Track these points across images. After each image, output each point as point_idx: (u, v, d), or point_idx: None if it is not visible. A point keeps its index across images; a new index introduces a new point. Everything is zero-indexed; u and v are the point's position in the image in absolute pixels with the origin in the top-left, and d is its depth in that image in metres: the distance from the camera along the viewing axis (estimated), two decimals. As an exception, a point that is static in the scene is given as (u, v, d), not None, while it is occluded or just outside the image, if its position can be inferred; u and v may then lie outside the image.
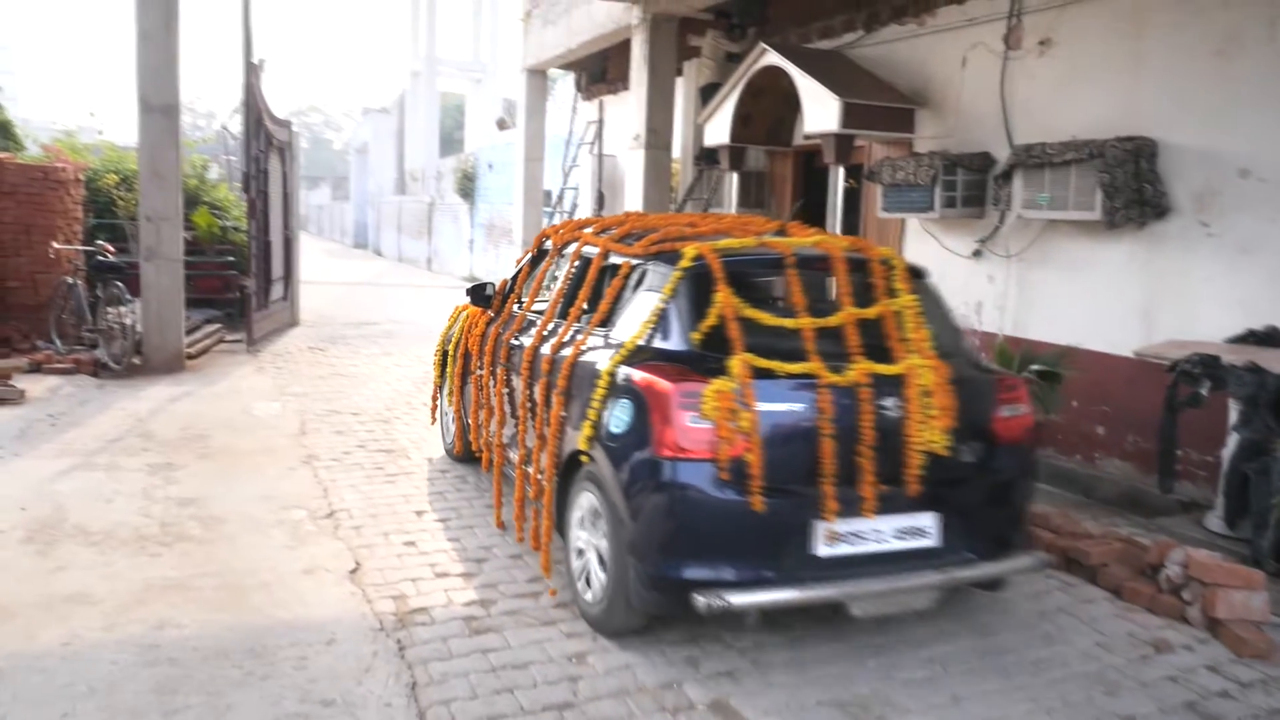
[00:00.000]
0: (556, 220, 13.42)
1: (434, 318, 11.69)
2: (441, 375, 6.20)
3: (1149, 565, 4.32)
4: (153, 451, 6.09)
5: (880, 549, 3.54)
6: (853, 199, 8.41)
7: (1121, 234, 5.91)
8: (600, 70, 13.91)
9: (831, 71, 7.60)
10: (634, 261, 4.21)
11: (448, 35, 34.18)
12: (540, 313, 4.93)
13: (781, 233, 4.36)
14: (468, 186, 22.58)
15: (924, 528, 3.61)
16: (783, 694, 3.34)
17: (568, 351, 4.21)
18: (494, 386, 5.03)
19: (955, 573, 3.63)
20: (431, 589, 4.13)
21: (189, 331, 9.51)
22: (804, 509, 3.42)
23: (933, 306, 4.07)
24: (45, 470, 5.59)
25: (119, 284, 8.76)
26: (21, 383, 7.64)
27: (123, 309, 8.64)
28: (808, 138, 7.85)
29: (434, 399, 6.32)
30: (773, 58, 7.76)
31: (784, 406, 3.47)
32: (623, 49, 11.26)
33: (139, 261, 8.78)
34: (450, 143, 34.95)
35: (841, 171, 7.78)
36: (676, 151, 10.64)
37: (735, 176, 9.74)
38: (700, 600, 3.30)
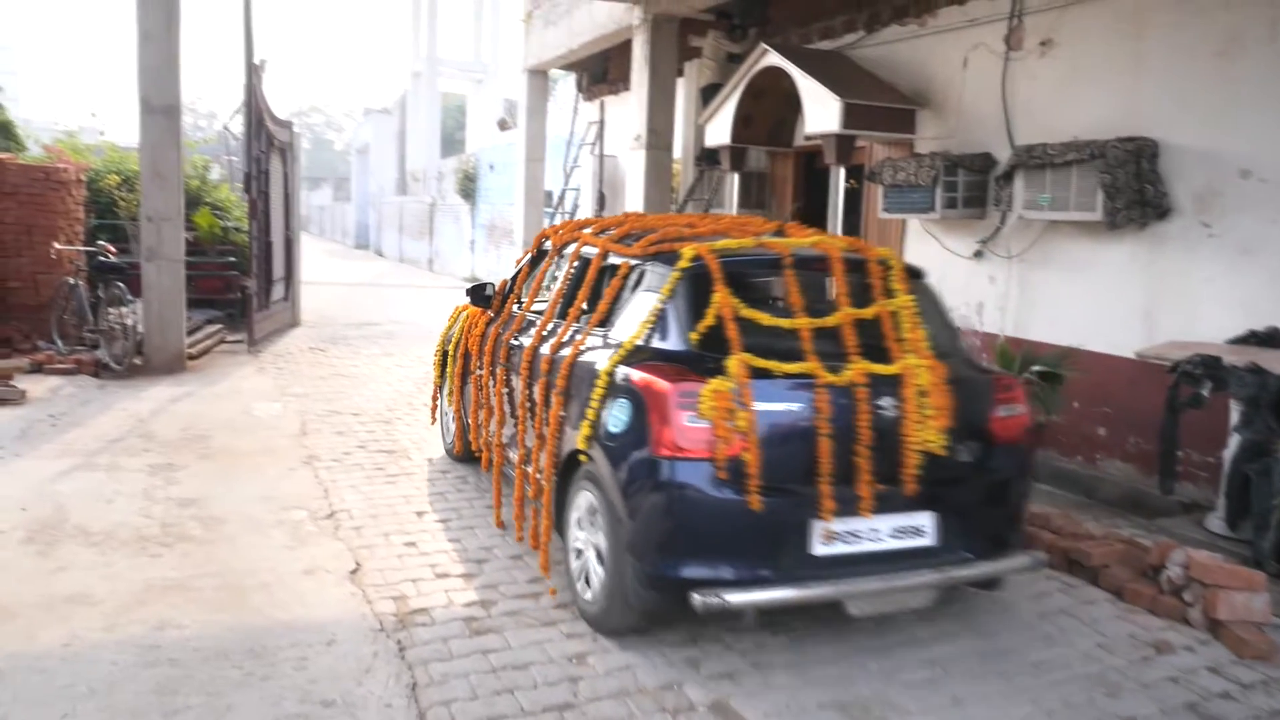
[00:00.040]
0: (557, 221, 13.42)
1: (435, 318, 11.69)
2: (441, 375, 6.20)
3: (1150, 566, 4.32)
4: (154, 452, 6.09)
5: (877, 548, 3.55)
6: (854, 200, 8.41)
7: (1123, 235, 5.91)
8: (601, 71, 13.91)
9: (832, 72, 7.59)
10: (633, 262, 4.21)
11: (449, 36, 34.24)
12: (540, 313, 4.93)
13: (780, 233, 4.36)
14: (469, 187, 22.59)
15: (921, 527, 3.61)
16: (783, 695, 3.34)
17: (567, 351, 4.22)
18: (493, 386, 5.03)
19: (952, 572, 3.64)
20: (432, 590, 4.13)
21: (190, 332, 9.51)
22: (801, 508, 3.43)
23: (930, 307, 4.07)
24: (46, 470, 5.59)
25: (120, 284, 8.77)
26: (23, 383, 7.65)
27: (124, 309, 8.65)
28: (809, 138, 7.85)
29: (434, 399, 6.33)
30: (774, 58, 7.76)
31: (781, 406, 3.47)
32: (624, 49, 11.27)
33: (140, 262, 8.79)
34: (451, 143, 34.96)
35: (842, 172, 7.78)
36: (677, 152, 10.64)
37: (736, 177, 9.74)
38: (698, 599, 3.31)
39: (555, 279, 5.04)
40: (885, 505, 3.52)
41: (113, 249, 9.48)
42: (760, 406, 3.40)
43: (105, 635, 3.58)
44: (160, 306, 8.71)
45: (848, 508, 3.46)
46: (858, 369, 3.53)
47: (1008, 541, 3.88)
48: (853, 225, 8.38)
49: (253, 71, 10.32)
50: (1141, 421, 5.78)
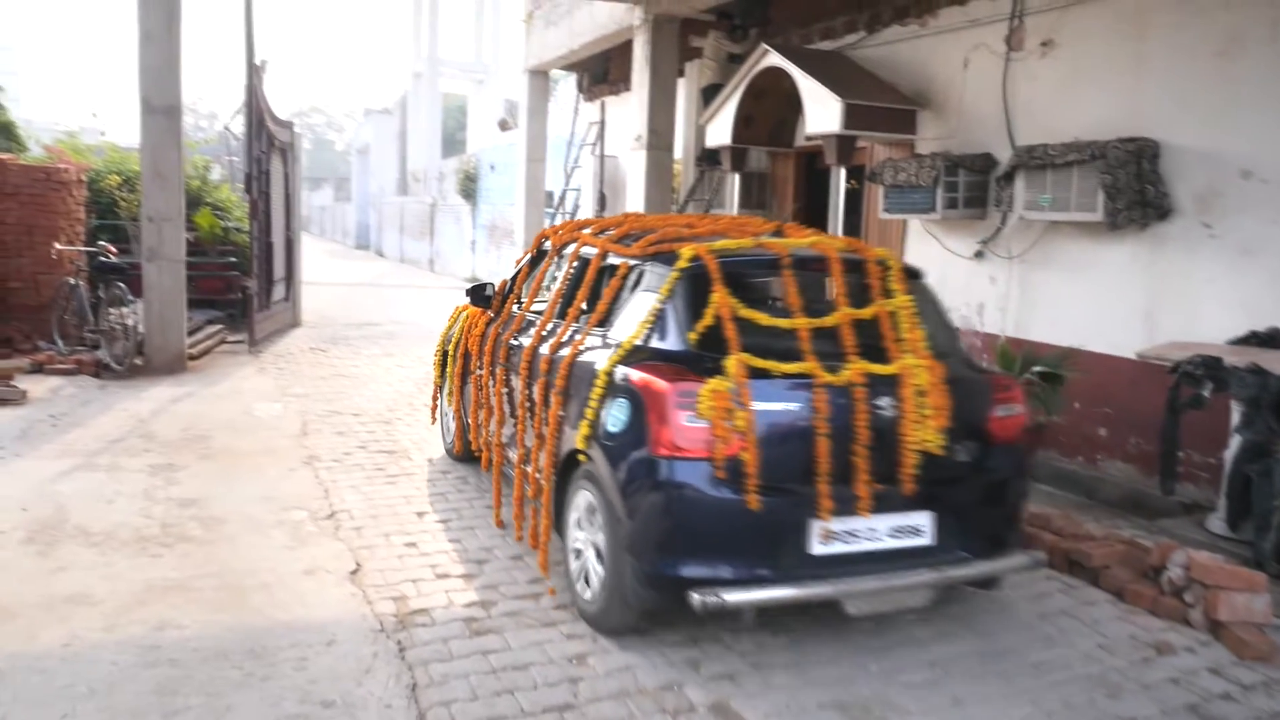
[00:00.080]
0: (558, 221, 13.42)
1: (436, 318, 11.68)
2: (441, 375, 6.21)
3: (1151, 567, 4.31)
4: (154, 452, 6.09)
5: (875, 547, 3.55)
6: (854, 200, 8.41)
7: (1123, 235, 5.90)
8: (602, 71, 13.92)
9: (833, 72, 7.59)
10: (631, 262, 4.21)
11: (450, 36, 34.28)
12: (539, 313, 4.94)
13: (779, 234, 4.36)
14: (470, 187, 22.60)
15: (919, 526, 3.62)
16: (783, 696, 3.34)
17: (566, 351, 4.22)
18: (493, 386, 5.04)
19: (950, 571, 3.64)
20: (432, 590, 4.13)
21: (191, 332, 9.52)
22: (799, 507, 3.43)
23: (928, 307, 4.08)
24: (47, 471, 5.59)
25: (121, 285, 8.77)
26: (23, 383, 7.65)
27: (124, 310, 8.65)
28: (809, 139, 7.84)
29: (434, 399, 6.34)
30: (774, 59, 7.76)
31: (780, 406, 3.48)
32: (625, 50, 11.27)
33: (141, 262, 8.79)
34: (452, 143, 34.97)
35: (843, 173, 7.77)
36: (678, 152, 10.65)
37: (737, 177, 9.74)
38: (696, 598, 3.31)
39: (555, 279, 5.04)
40: (883, 505, 3.52)
41: (113, 249, 9.48)
42: (759, 406, 3.40)
43: (105, 635, 3.58)
44: (161, 307, 8.72)
45: (846, 507, 3.46)
46: (856, 369, 3.53)
47: (1005, 541, 3.88)
48: (854, 226, 8.38)
49: (254, 72, 10.32)
50: (1142, 422, 5.77)
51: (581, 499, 3.93)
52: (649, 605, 3.58)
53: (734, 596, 3.32)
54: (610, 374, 3.74)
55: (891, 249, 7.23)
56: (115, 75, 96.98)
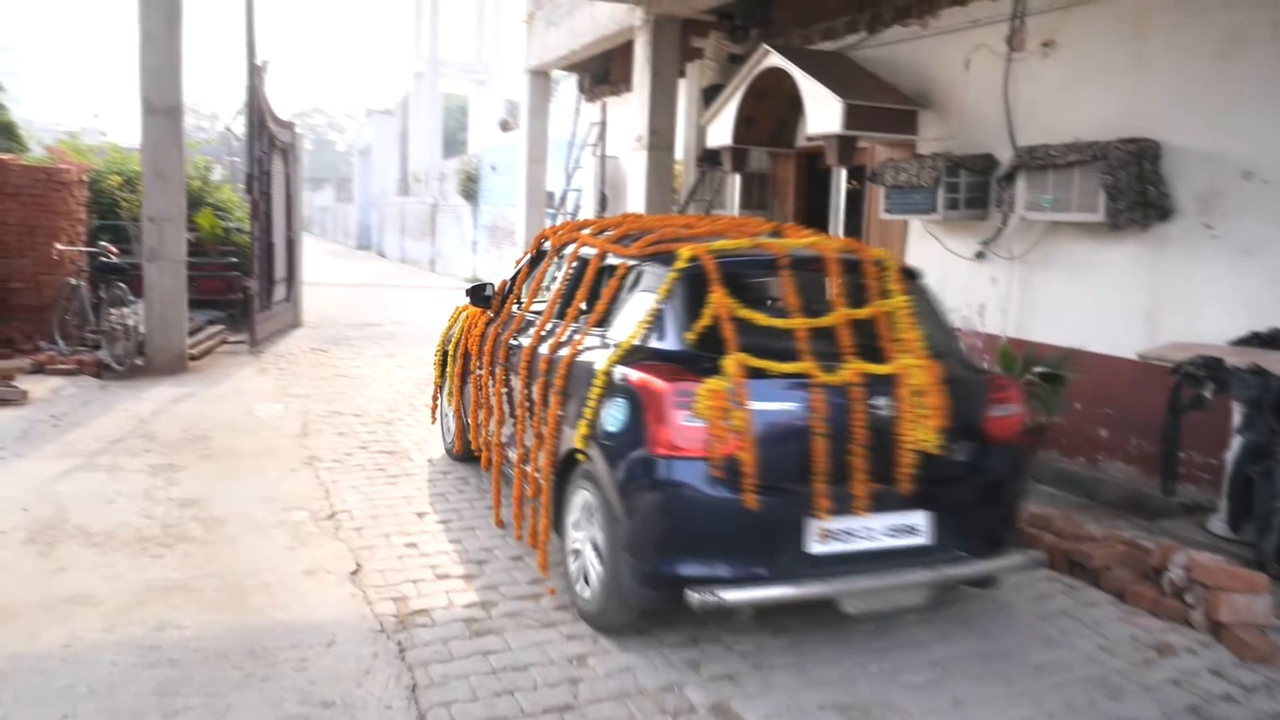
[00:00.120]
0: (559, 221, 13.42)
1: (437, 319, 11.68)
2: (441, 375, 6.21)
3: (1152, 568, 4.31)
4: (155, 452, 6.10)
5: (872, 546, 3.56)
6: (855, 201, 8.41)
7: (1125, 236, 5.90)
8: (603, 72, 13.92)
9: (834, 73, 7.59)
10: (630, 262, 4.22)
11: (451, 36, 34.23)
12: (538, 313, 4.94)
13: (777, 234, 4.37)
14: (471, 188, 22.60)
15: (916, 526, 3.62)
16: (784, 697, 3.34)
17: (565, 351, 4.23)
18: (493, 386, 5.04)
19: (947, 570, 3.64)
20: (432, 591, 4.13)
21: (192, 332, 9.52)
22: (797, 507, 3.44)
23: (925, 307, 4.08)
24: (47, 471, 5.60)
25: (122, 285, 8.79)
26: (24, 383, 7.66)
27: (125, 310, 8.66)
28: (810, 139, 7.84)
29: (434, 399, 6.34)
30: (775, 59, 7.76)
31: (777, 405, 3.48)
32: (625, 50, 11.27)
33: (142, 262, 8.80)
34: (453, 144, 34.98)
35: (844, 173, 7.78)
36: (679, 153, 10.64)
37: (738, 178, 9.74)
38: (694, 597, 3.32)
39: (554, 279, 5.05)
40: (880, 504, 3.53)
41: (114, 250, 9.50)
42: (756, 406, 3.40)
43: (105, 636, 3.59)
44: (162, 307, 8.73)
45: (843, 506, 3.46)
46: (853, 369, 3.54)
47: (1003, 540, 3.89)
48: (854, 226, 8.38)
49: (255, 72, 10.33)
50: (1143, 423, 5.76)
51: (580, 498, 3.93)
52: (647, 604, 3.59)
53: (731, 595, 3.33)
54: (609, 374, 3.75)
55: (892, 250, 7.25)
56: (116, 76, 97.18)
